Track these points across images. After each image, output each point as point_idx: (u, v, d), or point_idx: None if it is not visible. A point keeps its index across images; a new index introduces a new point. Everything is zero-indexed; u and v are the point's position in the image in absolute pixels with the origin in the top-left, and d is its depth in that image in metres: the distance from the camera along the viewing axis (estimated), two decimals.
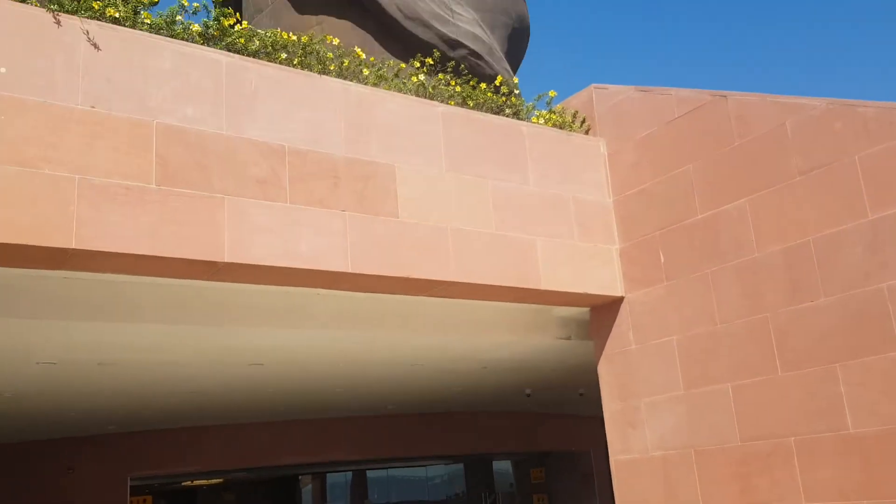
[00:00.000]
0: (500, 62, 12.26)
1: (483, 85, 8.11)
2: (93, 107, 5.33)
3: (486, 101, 7.86)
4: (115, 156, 5.32)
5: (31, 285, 5.86)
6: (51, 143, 5.11)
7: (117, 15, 5.69)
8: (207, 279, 5.91)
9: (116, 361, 8.51)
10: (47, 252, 5.05)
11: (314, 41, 6.95)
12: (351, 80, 6.84)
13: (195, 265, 5.58)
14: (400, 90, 7.17)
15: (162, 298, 6.39)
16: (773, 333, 6.63)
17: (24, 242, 4.90)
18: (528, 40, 13.82)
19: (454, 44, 11.80)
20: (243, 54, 6.30)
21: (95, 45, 5.51)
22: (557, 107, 8.49)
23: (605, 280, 7.74)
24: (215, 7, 6.33)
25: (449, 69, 8.32)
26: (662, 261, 7.54)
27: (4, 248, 4.91)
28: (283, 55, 6.56)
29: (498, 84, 8.56)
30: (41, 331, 6.80)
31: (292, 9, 12.74)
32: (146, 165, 5.42)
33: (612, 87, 8.33)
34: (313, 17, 12.53)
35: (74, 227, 5.06)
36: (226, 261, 5.58)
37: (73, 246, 5.03)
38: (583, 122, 8.34)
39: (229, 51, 6.22)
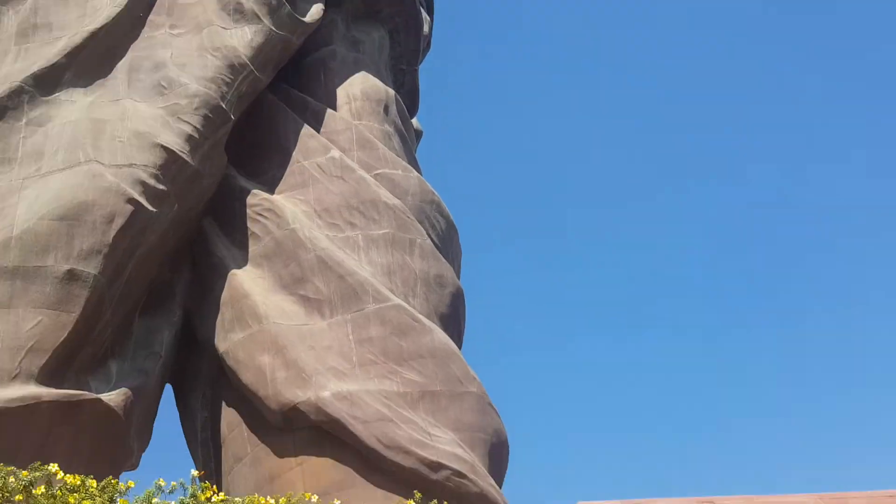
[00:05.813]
0: (484, 479, 12.13)
1: None
2: None
3: None
4: None
5: None
6: None
7: None
8: None
9: None
10: None
11: None
12: None
13: None
14: None
15: None
16: None
17: None
18: (507, 452, 13.85)
19: (436, 466, 11.80)
20: None
21: None
22: None
23: None
24: (192, 484, 6.28)
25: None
26: None
27: None
28: None
29: None
30: None
31: (272, 454, 12.79)
32: None
33: None
34: (293, 459, 12.57)
35: None
36: None
37: None
38: None
39: None
